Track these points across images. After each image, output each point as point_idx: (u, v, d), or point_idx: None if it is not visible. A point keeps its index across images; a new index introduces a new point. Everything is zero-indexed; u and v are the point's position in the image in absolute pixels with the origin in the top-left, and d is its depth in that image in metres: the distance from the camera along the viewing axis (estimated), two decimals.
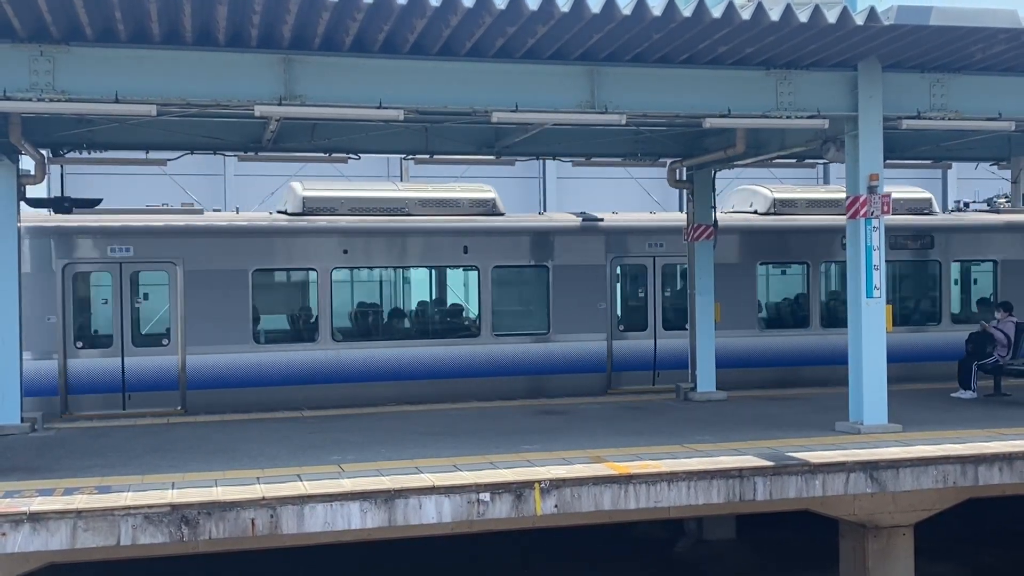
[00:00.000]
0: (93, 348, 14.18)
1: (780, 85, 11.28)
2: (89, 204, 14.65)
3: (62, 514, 8.09)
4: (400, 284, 16.39)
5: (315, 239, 15.05)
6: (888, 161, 12.31)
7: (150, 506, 8.27)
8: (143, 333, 14.39)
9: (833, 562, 10.87)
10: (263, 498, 8.49)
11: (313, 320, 15.05)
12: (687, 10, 9.50)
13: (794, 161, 16.24)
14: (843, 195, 12.08)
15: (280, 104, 10.14)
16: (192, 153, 14.05)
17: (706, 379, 14.79)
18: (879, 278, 11.51)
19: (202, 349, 14.32)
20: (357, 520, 8.66)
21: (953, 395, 14.48)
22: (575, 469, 9.48)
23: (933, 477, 10.02)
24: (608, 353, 16.03)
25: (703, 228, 14.88)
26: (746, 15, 9.62)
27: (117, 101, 9.83)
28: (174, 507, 8.29)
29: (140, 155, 14.45)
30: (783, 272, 17.38)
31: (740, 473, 9.55)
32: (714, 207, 14.94)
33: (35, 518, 8.03)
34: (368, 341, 15.32)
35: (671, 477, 9.38)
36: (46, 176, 12.89)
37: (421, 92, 10.46)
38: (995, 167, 17.13)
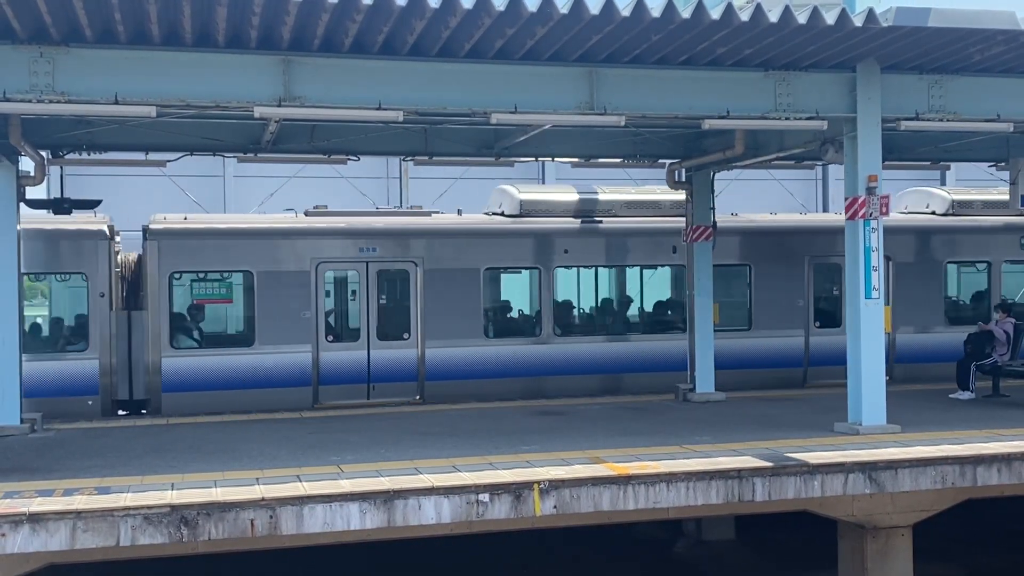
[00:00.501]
0: (342, 342, 15.15)
1: (779, 86, 11.30)
2: (89, 205, 14.68)
3: (62, 515, 8.10)
4: (613, 282, 17.14)
5: (539, 240, 16.03)
6: (887, 162, 12.32)
7: (149, 507, 8.28)
8: (385, 328, 15.44)
9: (832, 563, 10.88)
10: (262, 499, 8.50)
11: (536, 316, 16.05)
12: (686, 12, 9.52)
13: (793, 162, 16.26)
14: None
15: (279, 105, 10.15)
16: (192, 154, 14.07)
17: (705, 380, 14.80)
18: (877, 279, 11.52)
19: (439, 343, 15.36)
20: (356, 521, 8.67)
21: (952, 396, 14.51)
22: (574, 470, 9.50)
23: (932, 478, 10.03)
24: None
25: (702, 229, 14.90)
26: (745, 17, 9.64)
27: (117, 102, 9.85)
28: (173, 508, 8.30)
29: (140, 156, 14.46)
30: (971, 271, 17.96)
31: (739, 474, 9.56)
32: (713, 208, 14.95)
33: (35, 519, 8.04)
34: (584, 336, 16.33)
35: (670, 478, 9.40)
36: (46, 177, 12.91)
37: (420, 93, 10.48)
38: (993, 168, 17.14)
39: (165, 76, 9.92)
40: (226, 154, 14.63)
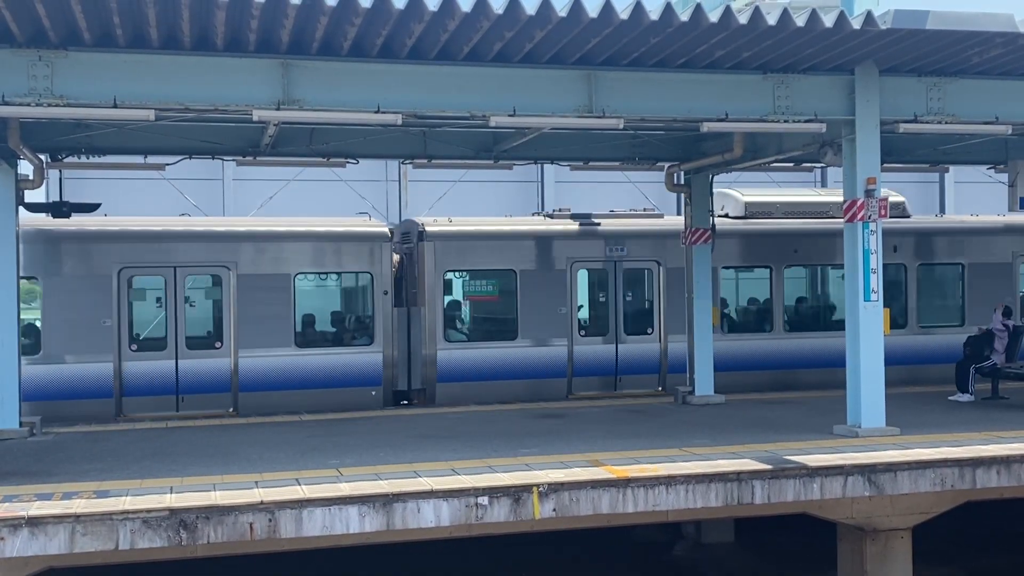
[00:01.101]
0: (591, 336, 16.19)
1: (777, 89, 11.31)
2: (88, 209, 14.69)
3: (61, 518, 8.11)
4: (834, 281, 17.47)
5: (770, 240, 16.88)
6: (885, 165, 12.33)
7: (148, 510, 8.28)
8: (630, 324, 16.45)
9: (831, 565, 10.89)
10: (261, 502, 8.51)
11: (768, 312, 16.89)
12: (684, 15, 9.54)
13: (791, 165, 16.28)
14: None
15: (278, 109, 10.16)
16: (190, 157, 14.08)
17: (704, 382, 14.80)
18: (876, 281, 11.53)
19: (679, 338, 15.89)
20: (356, 524, 8.68)
21: (951, 398, 14.53)
22: (573, 473, 9.50)
23: (931, 480, 10.04)
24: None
25: (701, 232, 14.91)
26: (743, 19, 9.66)
27: (115, 106, 9.86)
28: (172, 511, 8.30)
29: (139, 159, 14.48)
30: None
31: (738, 476, 9.57)
32: (711, 211, 14.97)
33: (34, 522, 8.04)
34: (812, 332, 16.96)
35: (669, 480, 9.41)
36: (45, 181, 12.91)
37: (419, 96, 10.49)
38: (992, 170, 17.15)
39: (164, 79, 9.94)
40: (225, 157, 14.65)
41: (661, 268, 16.32)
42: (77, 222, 14.55)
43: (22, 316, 12.94)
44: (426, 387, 15.55)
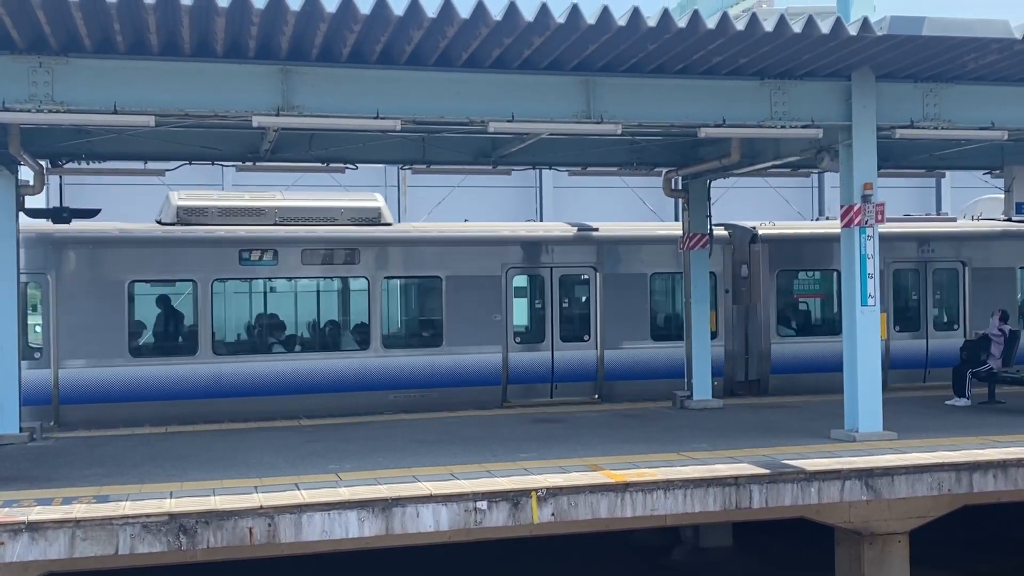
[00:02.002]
0: (907, 331, 17.13)
1: (774, 95, 11.36)
2: (88, 214, 14.72)
3: (60, 523, 8.12)
4: None
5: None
6: (882, 170, 12.38)
7: (148, 515, 8.30)
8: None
9: (829, 569, 10.91)
10: (261, 507, 8.52)
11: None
12: (682, 21, 9.60)
13: (789, 170, 16.33)
14: None
15: (278, 114, 10.21)
16: (190, 163, 14.11)
17: (702, 387, 14.84)
18: (873, 286, 11.58)
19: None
20: (355, 528, 8.70)
21: (947, 402, 14.58)
22: (572, 477, 9.53)
23: (928, 484, 10.07)
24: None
25: (698, 237, 14.96)
26: (740, 26, 9.71)
27: (116, 112, 9.90)
28: (172, 516, 8.32)
29: (139, 165, 14.52)
30: None
31: (736, 481, 9.60)
32: (709, 216, 15.02)
33: (34, 527, 8.06)
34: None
35: (667, 485, 9.43)
36: (45, 187, 12.95)
37: (418, 102, 10.54)
38: (988, 175, 17.23)
39: (164, 86, 9.98)
40: (225, 163, 14.68)
41: (951, 267, 17.37)
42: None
43: None
44: (760, 378, 16.68)
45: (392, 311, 15.97)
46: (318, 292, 15.78)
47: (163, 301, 15.10)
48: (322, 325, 15.77)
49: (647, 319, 16.45)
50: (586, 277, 16.33)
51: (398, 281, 15.94)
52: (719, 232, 16.25)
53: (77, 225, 14.59)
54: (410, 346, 15.85)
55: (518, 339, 15.90)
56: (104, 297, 14.32)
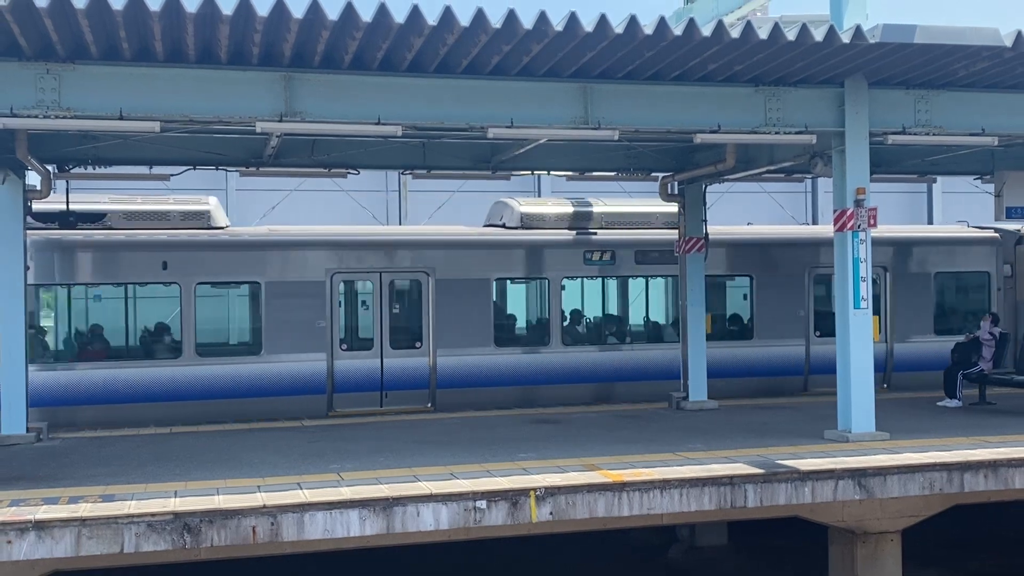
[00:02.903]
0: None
1: (769, 101, 11.50)
2: (94, 218, 14.84)
3: (67, 522, 8.23)
4: None
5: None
6: (874, 175, 12.53)
7: (153, 514, 8.41)
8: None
9: (823, 567, 11.04)
10: (264, 506, 8.63)
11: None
12: (678, 29, 9.71)
13: (783, 175, 16.48)
14: None
15: (281, 120, 10.31)
16: (195, 168, 14.20)
17: (698, 388, 14.98)
18: (866, 289, 11.73)
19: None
20: (356, 527, 8.80)
21: (939, 404, 14.72)
22: (570, 477, 9.65)
23: (920, 484, 10.20)
24: None
25: (694, 241, 15.11)
26: (735, 34, 9.84)
27: (121, 118, 10.00)
28: (177, 515, 8.43)
29: (144, 170, 14.60)
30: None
31: (731, 481, 9.72)
32: (705, 220, 15.16)
33: (40, 526, 8.17)
34: None
35: (664, 485, 9.55)
36: (52, 191, 13.08)
37: (419, 109, 10.65)
38: (978, 181, 17.38)
39: (169, 92, 10.08)
40: (228, 168, 14.78)
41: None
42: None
43: None
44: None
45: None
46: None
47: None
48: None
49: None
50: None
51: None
52: (990, 235, 17.68)
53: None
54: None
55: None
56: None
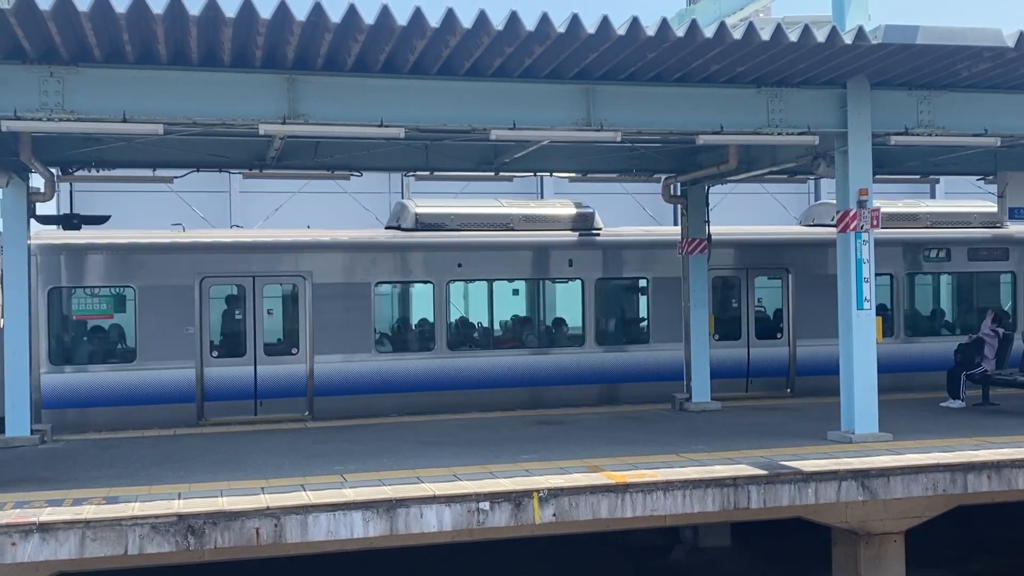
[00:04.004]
0: None
1: (771, 102, 11.51)
2: (98, 221, 14.87)
3: (71, 524, 8.24)
4: None
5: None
6: (877, 176, 12.53)
7: (157, 516, 8.43)
8: None
9: (826, 568, 11.04)
10: (267, 508, 8.65)
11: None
12: (680, 30, 9.73)
13: (785, 176, 16.49)
14: None
15: (284, 123, 10.33)
16: (198, 171, 14.26)
17: (701, 389, 14.99)
18: (869, 290, 11.73)
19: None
20: (360, 529, 8.82)
21: (942, 404, 14.71)
22: (573, 478, 9.66)
23: (923, 485, 10.20)
24: None
25: (697, 242, 15.11)
26: (737, 35, 9.84)
27: (125, 120, 10.03)
28: (180, 517, 8.45)
29: (147, 172, 14.66)
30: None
31: (734, 482, 9.72)
32: (707, 221, 15.17)
33: (44, 528, 8.19)
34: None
35: (667, 486, 9.55)
36: (55, 194, 13.11)
37: (421, 110, 10.67)
38: (981, 181, 17.38)
39: (172, 95, 10.12)
40: (232, 170, 14.83)
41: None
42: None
43: None
44: None
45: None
46: None
47: None
48: None
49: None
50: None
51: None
52: None
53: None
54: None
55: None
56: None
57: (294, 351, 14.99)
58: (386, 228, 16.82)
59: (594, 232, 16.62)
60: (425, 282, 15.75)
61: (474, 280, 16.10)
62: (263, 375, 14.84)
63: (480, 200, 17.30)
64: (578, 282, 16.30)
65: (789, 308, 16.88)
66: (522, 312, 16.73)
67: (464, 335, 16.22)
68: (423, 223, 15.95)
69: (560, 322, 16.66)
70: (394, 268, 15.66)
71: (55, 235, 14.65)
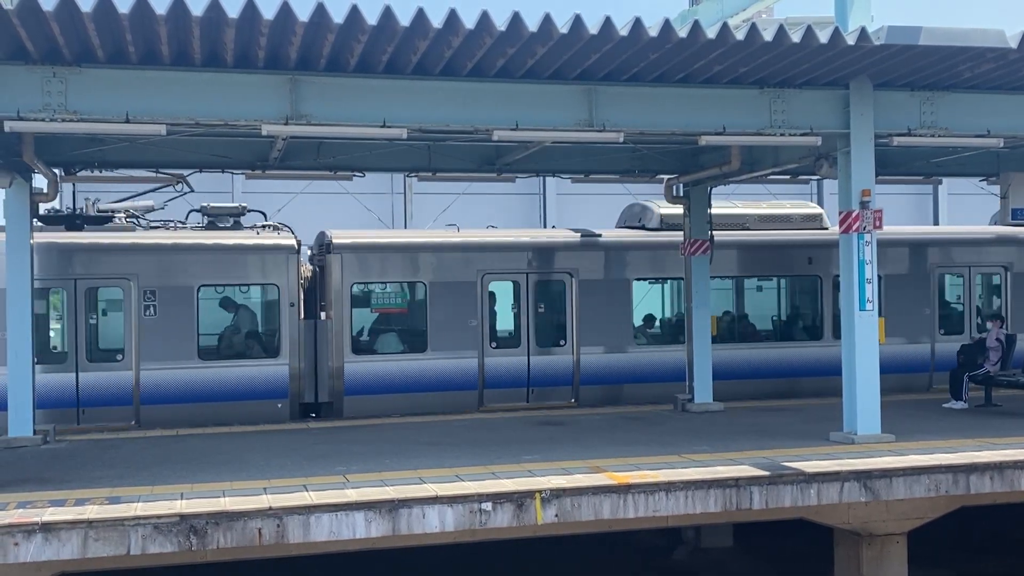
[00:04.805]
0: None
1: (774, 103, 11.51)
2: (100, 221, 14.89)
3: (73, 524, 8.26)
4: None
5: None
6: (880, 177, 12.53)
7: (159, 516, 8.45)
8: None
9: (828, 569, 11.04)
10: (270, 508, 8.66)
11: None
12: (683, 31, 9.74)
13: (788, 177, 16.49)
14: None
15: (287, 123, 10.35)
16: (201, 171, 14.28)
17: (703, 390, 14.98)
18: (871, 291, 11.73)
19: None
20: (362, 529, 8.83)
21: (945, 405, 14.70)
22: (575, 479, 9.66)
23: (925, 486, 10.19)
24: None
25: (699, 243, 15.11)
26: (740, 36, 9.85)
27: (128, 121, 10.05)
28: (183, 517, 8.47)
29: (150, 173, 14.69)
30: None
31: (736, 482, 9.73)
32: (710, 222, 15.17)
33: (47, 528, 8.21)
34: None
35: (669, 486, 9.56)
36: (58, 194, 13.13)
37: (424, 111, 10.68)
38: (984, 182, 17.37)
39: (175, 95, 10.13)
40: (234, 171, 14.86)
41: None
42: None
43: None
44: None
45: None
46: None
47: None
48: None
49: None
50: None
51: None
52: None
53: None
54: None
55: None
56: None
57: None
58: (622, 227, 17.63)
59: (824, 230, 17.46)
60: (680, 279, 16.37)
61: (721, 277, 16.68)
62: (535, 365, 15.85)
63: (716, 201, 17.69)
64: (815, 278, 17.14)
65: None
66: (771, 307, 17.68)
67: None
68: (667, 223, 16.78)
69: (798, 317, 17.68)
70: (651, 266, 16.68)
71: (352, 234, 15.65)
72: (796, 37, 9.98)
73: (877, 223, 11.73)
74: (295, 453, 11.44)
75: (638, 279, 16.59)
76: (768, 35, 9.91)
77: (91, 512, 8.48)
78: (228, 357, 14.88)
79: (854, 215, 11.75)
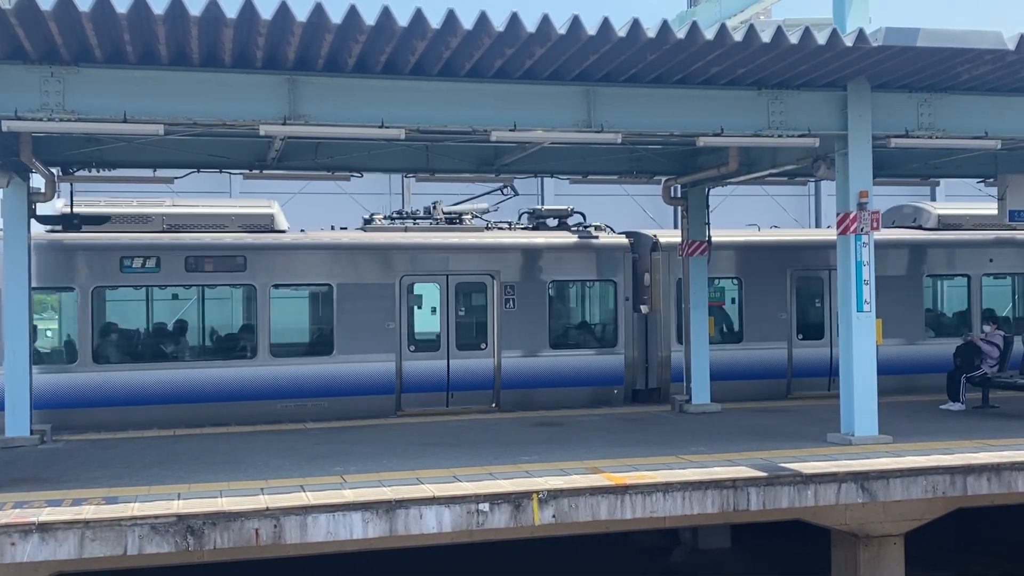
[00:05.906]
0: None
1: (771, 104, 11.52)
2: (98, 221, 14.86)
3: (70, 524, 8.26)
4: None
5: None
6: (877, 178, 12.53)
7: (156, 516, 8.44)
8: None
9: (826, 570, 11.05)
10: (267, 508, 8.66)
11: None
12: (681, 32, 9.74)
13: (786, 179, 16.49)
14: None
15: (284, 123, 10.35)
16: (198, 171, 14.27)
17: (700, 391, 14.98)
18: (869, 292, 11.73)
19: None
20: (359, 530, 8.83)
21: (942, 407, 14.71)
22: (572, 480, 9.66)
23: (923, 487, 10.21)
24: None
25: (697, 244, 15.11)
26: (738, 37, 9.85)
27: (125, 120, 10.04)
28: (180, 517, 8.46)
29: (148, 173, 14.68)
30: None
31: (734, 483, 9.73)
32: (708, 223, 15.17)
33: (44, 528, 8.20)
34: None
35: (666, 487, 9.56)
36: (56, 194, 13.12)
37: (422, 112, 10.68)
38: (982, 184, 17.37)
39: (173, 95, 10.13)
40: (232, 171, 14.84)
41: None
42: None
43: None
44: None
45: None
46: None
47: None
48: None
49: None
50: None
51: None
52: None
53: None
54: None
55: None
56: None
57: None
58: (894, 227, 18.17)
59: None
60: (963, 275, 17.48)
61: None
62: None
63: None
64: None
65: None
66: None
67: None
68: (945, 223, 17.98)
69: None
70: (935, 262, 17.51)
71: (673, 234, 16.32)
72: (794, 38, 9.98)
73: (875, 224, 11.74)
74: (293, 453, 11.43)
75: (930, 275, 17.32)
76: (766, 36, 9.91)
77: (88, 512, 8.48)
78: (573, 347, 16.16)
79: (852, 216, 11.75)
